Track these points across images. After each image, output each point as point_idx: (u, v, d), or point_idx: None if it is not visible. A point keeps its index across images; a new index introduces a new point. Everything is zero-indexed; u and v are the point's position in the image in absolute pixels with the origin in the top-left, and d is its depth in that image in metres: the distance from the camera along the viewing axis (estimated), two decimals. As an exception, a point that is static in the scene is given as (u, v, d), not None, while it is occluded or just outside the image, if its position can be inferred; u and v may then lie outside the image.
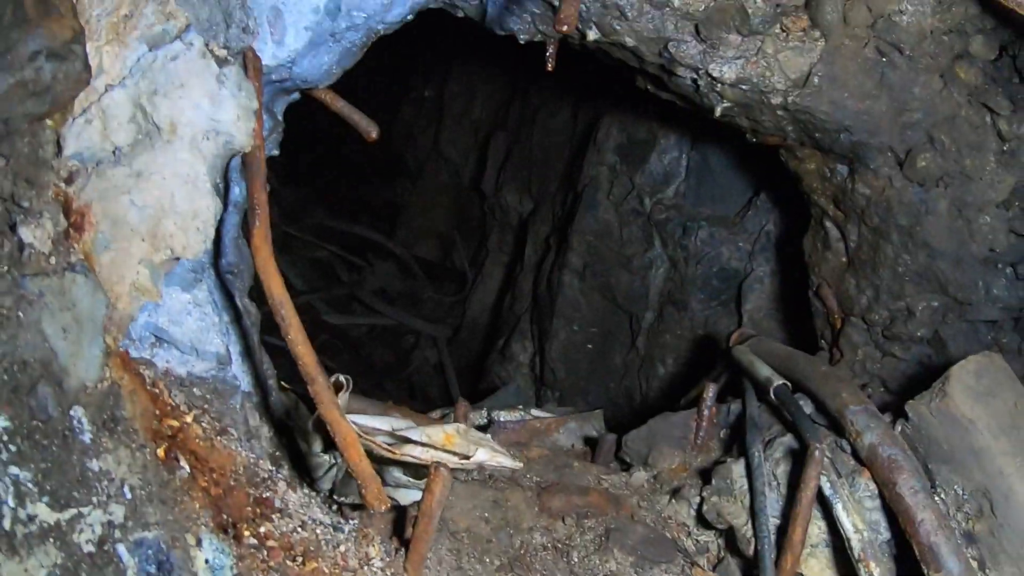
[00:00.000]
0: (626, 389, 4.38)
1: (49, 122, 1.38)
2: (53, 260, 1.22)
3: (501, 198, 5.98)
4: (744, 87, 2.28)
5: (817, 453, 1.90)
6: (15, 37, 1.07)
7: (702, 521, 2.19)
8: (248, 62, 1.67)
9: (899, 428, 1.96)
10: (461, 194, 7.15)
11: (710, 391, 2.51)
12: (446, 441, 1.83)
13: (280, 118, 2.18)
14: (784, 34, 2.21)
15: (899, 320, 2.51)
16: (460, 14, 2.38)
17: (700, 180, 3.95)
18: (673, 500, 2.30)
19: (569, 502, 2.20)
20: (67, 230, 1.29)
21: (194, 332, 1.82)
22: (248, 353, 1.98)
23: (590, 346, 4.55)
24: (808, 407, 2.24)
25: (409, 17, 2.12)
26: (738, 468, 2.17)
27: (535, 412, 3.23)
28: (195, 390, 1.81)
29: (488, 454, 1.83)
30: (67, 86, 1.18)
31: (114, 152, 1.48)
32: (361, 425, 1.76)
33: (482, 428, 2.91)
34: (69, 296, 1.23)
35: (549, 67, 2.38)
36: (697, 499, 2.22)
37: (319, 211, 7.28)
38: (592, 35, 2.21)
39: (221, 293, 1.90)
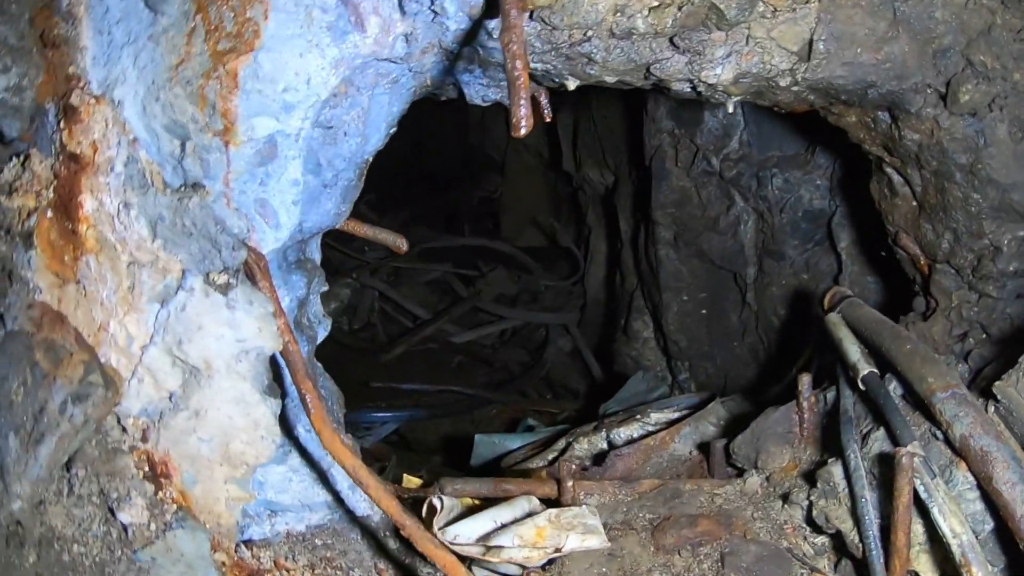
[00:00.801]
0: (750, 346, 4.32)
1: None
2: (153, 527, 1.47)
3: (584, 174, 5.96)
4: (746, 80, 2.14)
5: (904, 460, 1.85)
6: (42, 397, 1.30)
7: (814, 524, 2.19)
8: (251, 267, 1.85)
9: (992, 409, 1.86)
10: (548, 175, 7.17)
11: (804, 383, 2.48)
12: (537, 537, 1.97)
13: (317, 261, 2.37)
14: (771, 10, 2.01)
15: (986, 258, 2.33)
16: (444, 97, 2.44)
17: (759, 125, 3.77)
18: (785, 506, 2.32)
19: (681, 536, 2.28)
20: (157, 490, 1.55)
21: (300, 492, 2.07)
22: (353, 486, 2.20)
23: (704, 311, 4.51)
24: (899, 389, 2.17)
25: (393, 131, 2.21)
26: (838, 470, 2.15)
27: (653, 415, 3.31)
28: (316, 540, 2.06)
29: (578, 539, 1.96)
30: (101, 409, 1.41)
31: (170, 398, 1.72)
32: (459, 544, 1.94)
33: (600, 456, 3.03)
34: (176, 550, 1.49)
35: (547, 118, 2.40)
36: (806, 503, 2.23)
37: (419, 231, 7.58)
38: (572, 84, 2.19)
39: (312, 446, 2.14)
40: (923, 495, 1.88)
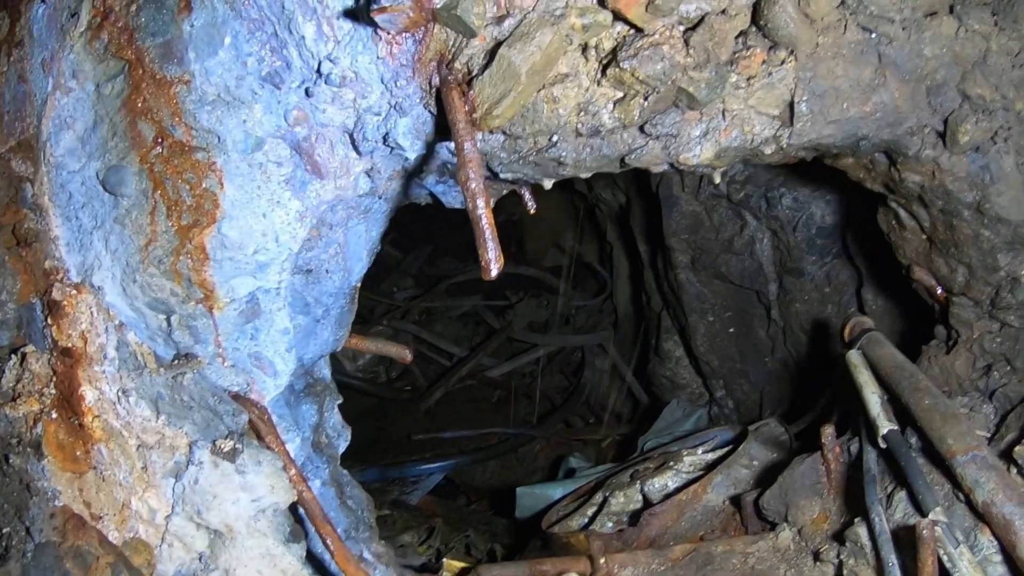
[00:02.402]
0: (781, 360, 4.24)
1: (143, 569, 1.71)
2: None
3: (597, 193, 5.92)
4: (729, 154, 2.03)
5: (926, 533, 1.81)
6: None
7: (848, 584, 2.15)
8: (256, 424, 1.90)
9: (1015, 471, 1.81)
10: (565, 194, 7.13)
11: (828, 435, 2.43)
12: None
13: (328, 378, 2.41)
14: (744, 79, 1.89)
15: (1004, 290, 2.24)
16: (422, 203, 2.45)
17: (761, 147, 3.68)
18: (817, 563, 2.28)
19: (718, 607, 2.27)
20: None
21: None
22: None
23: (731, 330, 4.45)
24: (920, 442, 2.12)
25: (376, 250, 2.23)
26: (864, 531, 2.11)
27: (687, 459, 3.28)
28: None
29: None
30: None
31: (200, 559, 1.78)
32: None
33: (636, 514, 3.02)
34: None
35: (532, 211, 2.40)
36: (836, 560, 2.19)
37: (445, 264, 7.61)
38: (547, 183, 2.18)
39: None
40: (947, 564, 1.84)
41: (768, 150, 1.93)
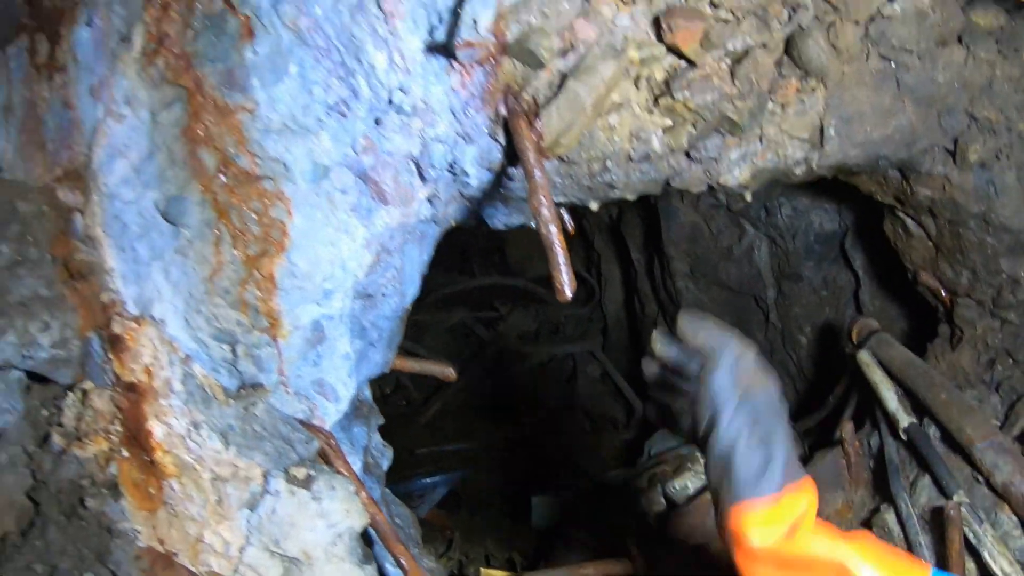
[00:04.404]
0: (780, 363, 4.40)
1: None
2: None
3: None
4: (763, 175, 2.16)
5: (953, 513, 1.96)
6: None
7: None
8: (325, 450, 1.95)
9: (1031, 454, 1.97)
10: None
11: (848, 431, 2.58)
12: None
13: (370, 399, 2.47)
14: (779, 106, 2.01)
15: (1005, 290, 2.43)
16: (466, 224, 2.53)
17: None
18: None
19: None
20: None
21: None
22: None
23: (729, 334, 4.59)
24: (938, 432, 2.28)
25: (425, 273, 2.30)
26: (892, 516, 2.27)
27: (702, 460, 3.41)
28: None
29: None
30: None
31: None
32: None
33: (663, 515, 3.14)
34: None
35: (571, 233, 2.49)
36: (868, 549, 2.34)
37: (431, 277, 7.63)
38: (594, 206, 2.27)
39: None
40: (973, 540, 2.00)
41: (799, 171, 2.07)
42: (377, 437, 2.55)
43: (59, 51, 2.04)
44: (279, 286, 1.87)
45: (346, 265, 1.88)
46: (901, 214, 2.55)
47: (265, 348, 1.97)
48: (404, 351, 6.82)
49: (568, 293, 1.62)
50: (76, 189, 2.07)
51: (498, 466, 5.49)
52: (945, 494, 2.06)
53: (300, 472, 1.89)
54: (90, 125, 1.97)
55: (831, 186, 3.54)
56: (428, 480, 5.18)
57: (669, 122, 1.84)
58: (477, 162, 1.85)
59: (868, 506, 2.47)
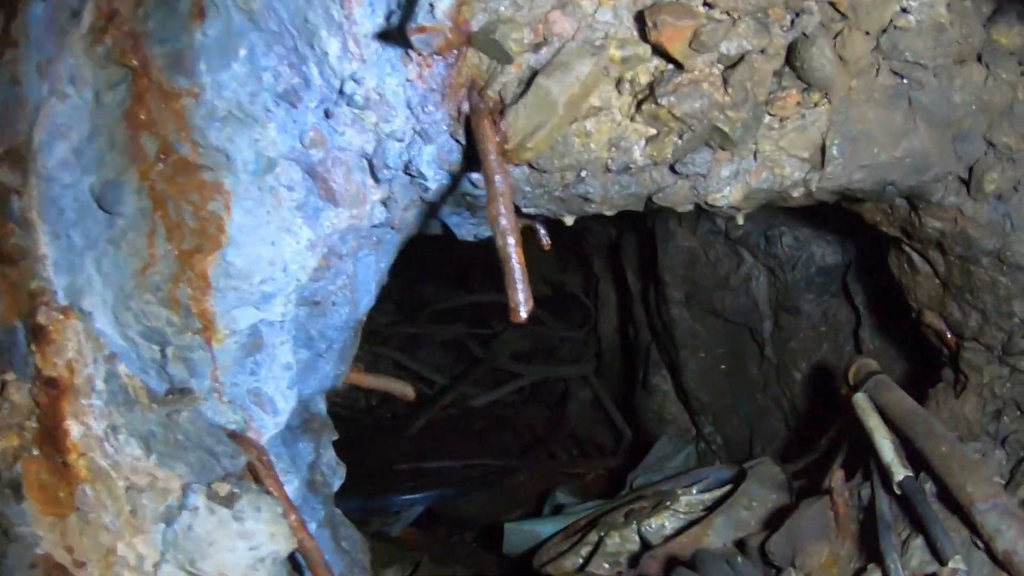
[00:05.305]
0: (773, 397, 4.22)
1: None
2: None
3: (586, 226, 5.88)
4: (757, 196, 1.99)
5: (949, 585, 1.77)
6: None
7: (863, 636, 2.10)
8: (255, 466, 1.79)
9: (1039, 520, 1.77)
10: (551, 223, 7.10)
11: (837, 480, 2.38)
12: None
13: (323, 413, 2.30)
14: (778, 120, 1.83)
15: (1017, 335, 2.24)
16: (433, 233, 2.37)
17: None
18: (832, 615, 2.22)
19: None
20: None
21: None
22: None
23: (723, 367, 4.42)
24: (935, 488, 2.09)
25: (384, 283, 2.14)
26: (879, 577, 2.06)
27: (683, 499, 3.21)
28: None
29: None
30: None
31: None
32: None
33: (635, 557, 2.94)
34: None
35: (546, 248, 2.34)
36: (851, 613, 2.14)
37: (428, 289, 7.50)
38: (569, 220, 2.11)
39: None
40: (972, 614, 1.79)
41: (796, 193, 1.89)
42: (330, 454, 2.38)
43: (13, 26, 1.95)
44: (213, 285, 1.74)
45: (288, 267, 1.74)
46: (907, 248, 2.37)
47: (198, 351, 1.82)
48: (397, 365, 6.71)
49: (522, 314, 1.45)
50: (16, 169, 1.97)
51: (479, 487, 5.30)
52: (939, 558, 1.86)
53: (223, 488, 1.74)
54: (34, 103, 1.86)
55: (835, 215, 3.38)
56: (406, 497, 5.01)
57: (652, 131, 1.67)
58: (436, 163, 1.70)
59: (855, 562, 2.27)
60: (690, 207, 1.95)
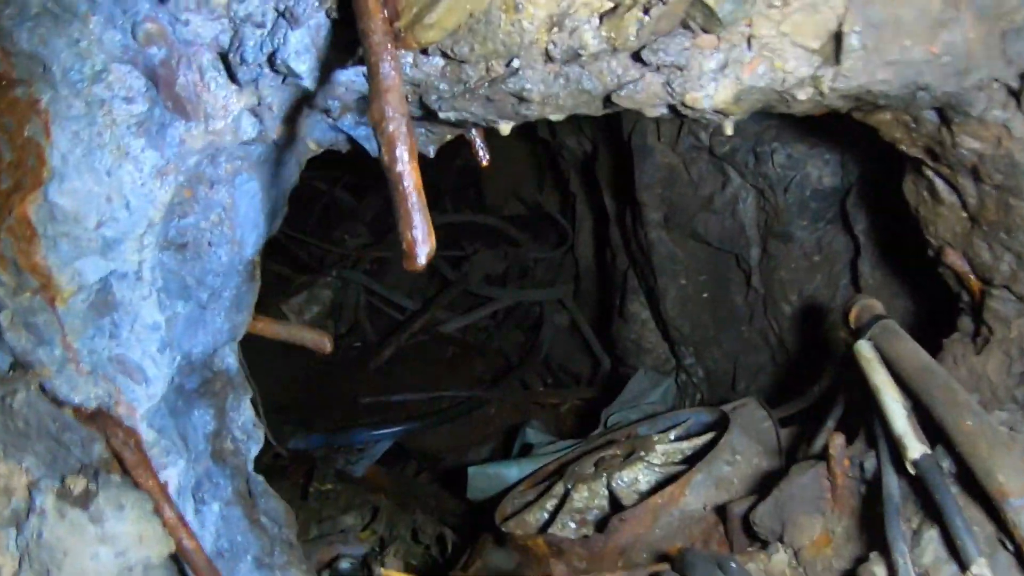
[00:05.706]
0: (759, 331, 3.89)
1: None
2: None
3: (561, 140, 5.43)
4: (751, 97, 1.56)
5: (976, 596, 1.45)
6: None
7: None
8: (119, 452, 1.43)
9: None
10: (527, 141, 6.62)
11: (837, 446, 2.06)
12: None
13: (232, 369, 1.93)
14: None
15: (1057, 283, 1.87)
16: (342, 150, 1.92)
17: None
18: (824, 602, 1.94)
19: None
20: None
21: None
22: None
23: (705, 295, 4.08)
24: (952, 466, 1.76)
25: (284, 212, 1.74)
26: (882, 571, 1.77)
27: (659, 447, 2.92)
28: None
29: None
30: None
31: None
32: None
33: (604, 519, 2.66)
34: None
35: (484, 163, 1.93)
36: (847, 604, 1.86)
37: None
38: (505, 128, 1.68)
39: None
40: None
41: (802, 95, 1.47)
42: (244, 416, 2.02)
43: None
44: (39, 233, 1.33)
45: (131, 203, 1.33)
46: (930, 172, 1.96)
47: (41, 315, 1.43)
48: (366, 290, 6.34)
49: (421, 260, 1.07)
50: None
51: (448, 421, 5.04)
52: (959, 559, 1.55)
53: (78, 484, 1.40)
54: None
55: (836, 130, 2.94)
56: (372, 432, 4.76)
57: (610, 4, 1.22)
58: (309, 53, 1.26)
59: (853, 544, 1.97)
60: (663, 111, 1.52)
